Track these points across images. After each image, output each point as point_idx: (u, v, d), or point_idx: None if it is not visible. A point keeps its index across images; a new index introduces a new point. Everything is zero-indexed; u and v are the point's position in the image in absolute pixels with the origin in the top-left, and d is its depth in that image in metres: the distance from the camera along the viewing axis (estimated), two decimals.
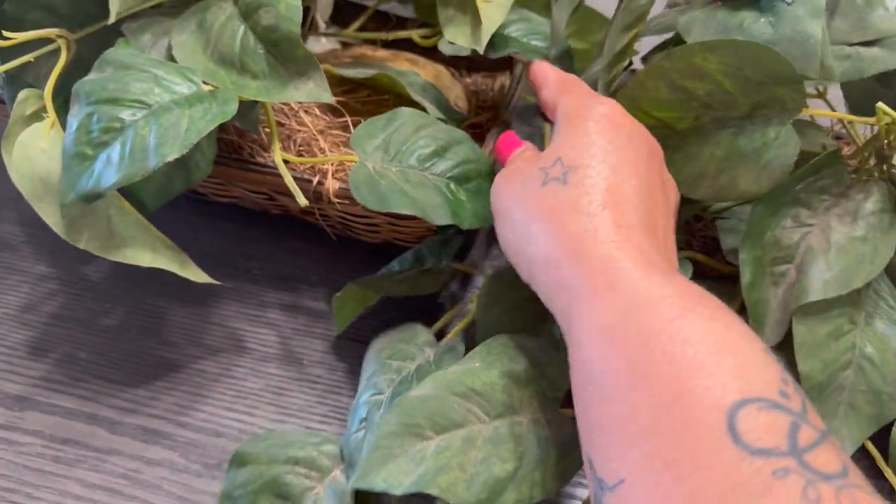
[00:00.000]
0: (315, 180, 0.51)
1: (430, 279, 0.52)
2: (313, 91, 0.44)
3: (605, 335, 0.31)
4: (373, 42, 0.64)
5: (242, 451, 0.43)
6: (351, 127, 0.57)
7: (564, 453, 0.37)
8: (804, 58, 0.39)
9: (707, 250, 0.47)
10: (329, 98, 0.45)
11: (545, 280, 0.35)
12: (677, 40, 0.46)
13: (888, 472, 0.40)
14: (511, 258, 0.38)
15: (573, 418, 0.34)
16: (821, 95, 0.45)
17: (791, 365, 0.41)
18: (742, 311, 0.43)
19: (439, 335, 0.49)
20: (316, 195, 0.52)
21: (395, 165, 0.46)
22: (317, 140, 0.57)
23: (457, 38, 0.52)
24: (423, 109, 0.54)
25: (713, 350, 0.29)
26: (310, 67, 0.44)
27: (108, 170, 0.40)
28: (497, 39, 0.54)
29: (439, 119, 0.54)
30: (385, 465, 0.35)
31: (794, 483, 0.25)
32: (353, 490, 0.39)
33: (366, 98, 0.60)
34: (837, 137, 0.55)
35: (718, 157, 0.39)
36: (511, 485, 0.35)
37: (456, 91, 0.61)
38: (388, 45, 0.64)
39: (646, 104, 0.40)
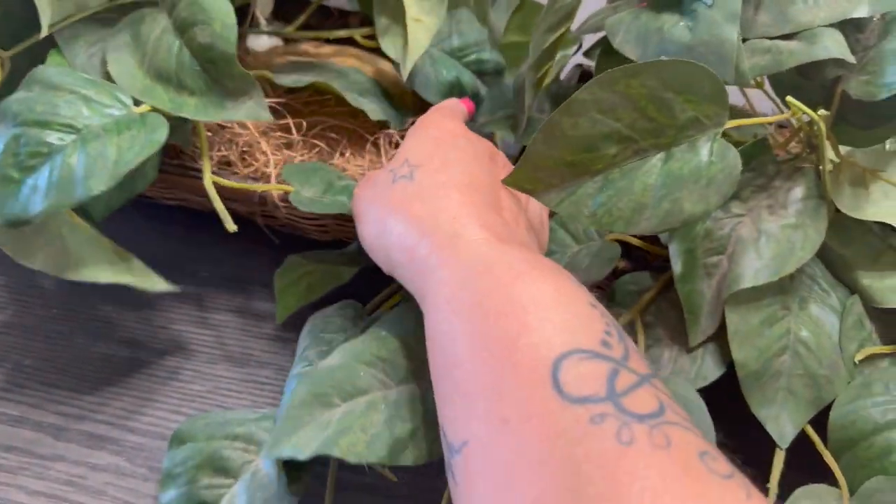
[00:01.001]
0: (259, 187, 0.52)
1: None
2: (252, 110, 0.45)
3: (449, 303, 0.33)
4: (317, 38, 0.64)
5: (181, 430, 0.43)
6: (293, 128, 0.58)
7: None
8: (720, 62, 0.39)
9: (649, 237, 0.47)
10: (268, 117, 0.45)
11: (402, 264, 0.37)
12: (606, 43, 0.46)
13: (827, 456, 0.41)
14: (373, 255, 0.40)
15: None
16: (758, 86, 0.45)
17: (727, 354, 0.42)
18: (677, 299, 0.43)
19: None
20: (261, 199, 0.53)
21: (330, 196, 0.48)
22: (259, 143, 0.57)
23: (389, 50, 0.53)
24: (363, 112, 0.54)
25: (541, 309, 0.30)
26: (248, 86, 0.44)
27: (36, 196, 0.40)
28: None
29: (380, 121, 0.55)
30: (295, 433, 0.36)
31: (609, 426, 0.26)
32: (281, 461, 0.40)
33: (308, 98, 0.61)
34: (782, 126, 0.56)
35: (654, 186, 0.38)
36: (411, 444, 0.37)
37: (402, 86, 0.61)
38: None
39: (560, 145, 0.38)
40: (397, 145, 0.58)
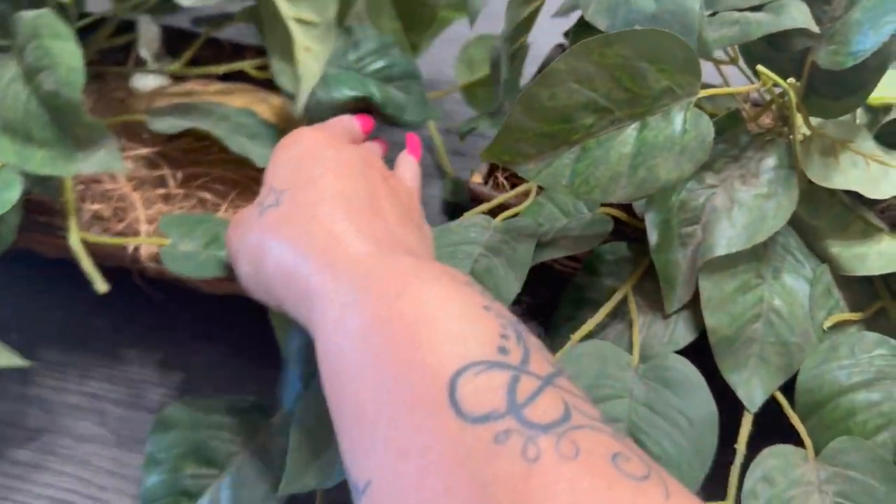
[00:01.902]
0: (131, 247, 0.46)
1: None
2: (104, 160, 0.41)
3: (336, 326, 0.30)
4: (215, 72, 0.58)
5: (167, 414, 0.42)
6: (171, 180, 0.50)
7: None
8: (683, 31, 0.39)
9: (627, 208, 0.48)
10: (121, 167, 0.42)
11: (285, 294, 0.34)
12: (582, 17, 0.46)
13: (794, 418, 0.41)
14: (255, 294, 0.37)
15: None
16: (733, 61, 0.46)
17: (702, 320, 0.42)
18: (652, 269, 0.44)
19: None
20: (133, 258, 0.47)
21: (211, 251, 0.43)
22: (133, 195, 0.49)
23: (284, 84, 0.49)
24: (249, 161, 0.49)
25: (431, 321, 0.28)
26: (98, 135, 0.41)
27: None
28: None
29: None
30: (312, 463, 0.35)
31: (513, 444, 0.24)
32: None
33: (189, 145, 0.54)
34: (756, 104, 0.57)
35: (629, 155, 0.39)
36: None
37: (299, 124, 0.55)
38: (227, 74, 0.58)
39: (538, 116, 0.39)
40: None
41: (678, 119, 0.38)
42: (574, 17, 0.51)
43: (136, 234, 0.48)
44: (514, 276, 0.42)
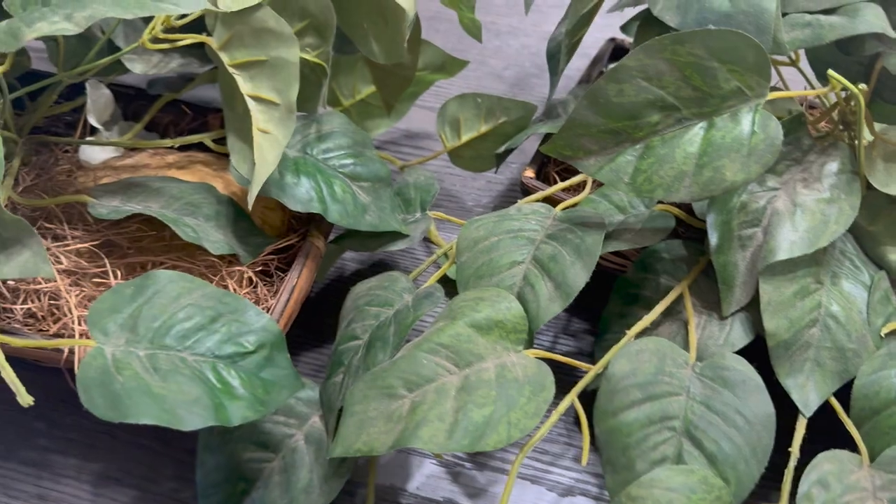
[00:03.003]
0: (66, 351, 0.41)
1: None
2: (29, 264, 0.39)
3: None
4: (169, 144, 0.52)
5: None
6: (112, 275, 0.44)
7: (534, 393, 0.37)
8: (758, 32, 0.40)
9: (683, 206, 0.48)
10: (49, 272, 0.39)
11: None
12: (647, 12, 0.46)
13: (849, 424, 0.41)
14: None
15: (538, 360, 0.39)
16: (793, 63, 0.46)
17: (758, 323, 0.43)
18: (711, 269, 0.44)
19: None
20: (68, 362, 0.41)
21: (144, 348, 0.37)
22: (67, 292, 0.43)
23: (241, 167, 0.45)
24: (203, 248, 0.44)
25: None
26: (22, 234, 0.38)
27: None
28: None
29: (234, 253, 0.44)
30: (363, 430, 0.36)
31: None
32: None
33: (137, 231, 0.48)
34: (812, 107, 0.57)
35: (695, 154, 0.39)
36: (489, 428, 0.36)
37: (265, 201, 0.49)
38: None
39: (604, 111, 0.40)
40: (250, 283, 0.47)
41: (746, 120, 0.39)
42: (627, 14, 0.53)
43: (71, 336, 0.43)
44: (582, 265, 0.42)
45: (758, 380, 0.39)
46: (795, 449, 0.40)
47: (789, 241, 0.42)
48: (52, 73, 0.49)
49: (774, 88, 0.41)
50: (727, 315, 0.43)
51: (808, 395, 0.41)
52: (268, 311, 0.44)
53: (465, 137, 0.59)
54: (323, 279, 0.57)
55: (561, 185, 0.51)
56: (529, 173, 0.53)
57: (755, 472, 0.38)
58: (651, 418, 0.39)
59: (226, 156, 0.50)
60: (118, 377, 0.35)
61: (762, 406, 0.39)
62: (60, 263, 0.45)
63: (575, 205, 0.49)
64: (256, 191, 0.42)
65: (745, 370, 0.40)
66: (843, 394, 0.42)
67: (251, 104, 0.44)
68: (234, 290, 0.46)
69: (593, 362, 0.44)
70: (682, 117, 0.40)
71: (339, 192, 0.47)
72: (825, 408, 0.42)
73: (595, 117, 0.40)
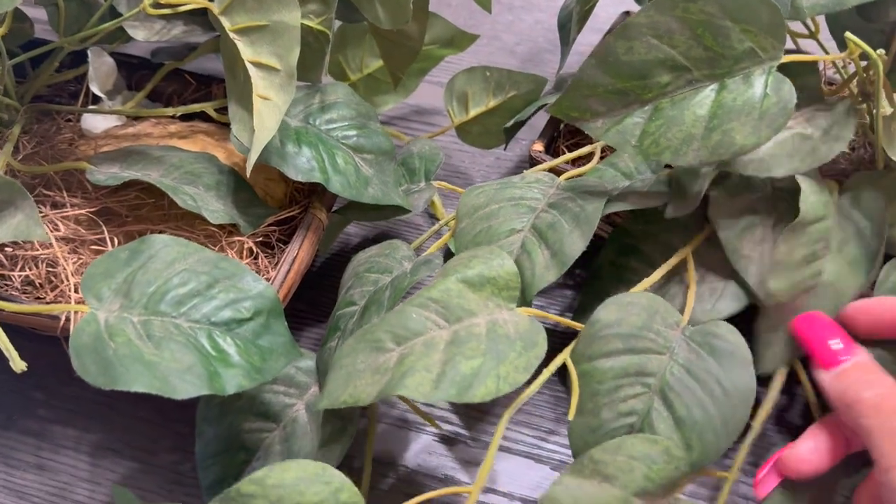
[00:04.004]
0: (63, 317, 0.40)
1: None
2: (21, 227, 0.38)
3: None
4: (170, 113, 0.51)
5: None
6: (110, 242, 0.43)
7: (525, 348, 0.36)
8: None
9: None
10: (42, 235, 0.38)
11: None
12: None
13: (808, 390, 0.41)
14: None
15: (530, 317, 0.38)
16: (812, 35, 0.44)
17: (714, 245, 0.42)
18: (714, 236, 0.43)
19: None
20: (64, 329, 0.41)
21: (137, 314, 0.36)
22: (64, 260, 0.42)
23: (241, 134, 0.44)
24: (202, 217, 0.43)
25: None
26: (15, 196, 0.38)
27: None
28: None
29: (234, 223, 0.42)
30: (350, 382, 0.35)
31: None
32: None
33: (136, 199, 0.47)
34: (830, 83, 0.56)
35: (704, 117, 0.38)
36: (477, 380, 0.35)
37: (267, 172, 0.48)
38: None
39: (612, 71, 0.39)
40: (251, 254, 0.46)
41: (759, 83, 0.38)
42: None
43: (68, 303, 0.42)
44: (580, 233, 0.41)
45: (746, 353, 0.38)
46: (758, 423, 0.40)
47: (747, 159, 0.40)
48: (55, 41, 0.49)
49: (792, 52, 0.40)
50: (668, 217, 0.42)
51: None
52: (269, 282, 0.44)
53: (472, 112, 0.57)
54: (326, 252, 0.56)
55: (568, 156, 0.50)
56: (538, 147, 0.52)
57: (722, 443, 0.37)
58: (627, 370, 0.38)
59: (228, 126, 0.49)
60: (111, 343, 0.34)
61: (744, 380, 0.38)
62: (58, 230, 0.44)
63: (581, 175, 0.48)
64: (255, 157, 0.41)
65: (736, 341, 0.39)
66: None
67: (252, 70, 0.43)
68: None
69: (582, 308, 0.44)
70: (693, 78, 0.38)
71: (342, 164, 0.47)
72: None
73: (603, 76, 0.39)
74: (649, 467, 0.35)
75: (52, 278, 0.43)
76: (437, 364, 0.35)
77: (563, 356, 0.40)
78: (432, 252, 0.46)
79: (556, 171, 0.49)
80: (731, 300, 0.42)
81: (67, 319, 0.40)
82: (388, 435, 0.47)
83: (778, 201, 0.43)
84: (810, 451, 0.38)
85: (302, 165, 0.45)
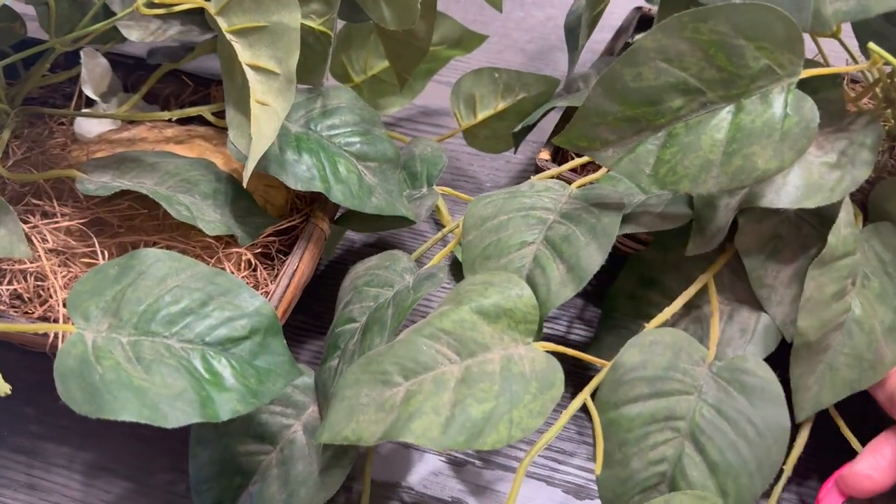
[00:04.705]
0: (52, 334, 0.38)
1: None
2: (4, 242, 0.37)
3: None
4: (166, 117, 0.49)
5: None
6: (102, 255, 0.41)
7: (541, 390, 0.35)
8: (795, 5, 0.37)
9: None
10: (25, 252, 0.37)
11: None
12: None
13: (853, 441, 0.40)
14: None
15: (547, 354, 0.36)
16: (834, 35, 0.41)
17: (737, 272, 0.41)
18: (736, 260, 0.41)
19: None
20: (53, 347, 0.39)
21: (127, 334, 0.34)
22: (52, 274, 0.41)
23: (239, 141, 0.42)
24: (196, 229, 0.41)
25: None
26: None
27: None
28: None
29: (232, 234, 0.41)
30: (353, 417, 0.33)
31: None
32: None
33: (129, 209, 0.45)
34: (855, 81, 0.54)
35: (723, 141, 0.36)
36: (488, 426, 0.33)
37: (267, 179, 0.46)
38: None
39: (620, 98, 0.37)
40: (249, 266, 0.44)
41: (778, 102, 0.36)
42: None
43: (56, 319, 0.40)
44: (597, 246, 0.39)
45: (778, 389, 0.36)
46: (789, 467, 0.38)
47: (775, 193, 0.39)
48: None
49: (811, 63, 0.38)
50: (690, 255, 0.40)
51: (811, 399, 0.39)
52: (267, 297, 0.42)
53: (480, 116, 0.55)
54: (328, 260, 0.54)
55: (576, 161, 0.48)
56: (545, 155, 0.50)
57: (758, 487, 0.35)
58: (655, 416, 0.36)
59: (227, 129, 0.48)
60: (98, 367, 0.32)
61: (778, 418, 0.36)
62: (47, 242, 0.42)
63: (592, 182, 0.46)
64: (252, 167, 0.39)
65: (767, 377, 0.37)
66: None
67: (250, 74, 0.41)
68: (232, 273, 0.43)
69: (598, 341, 0.42)
70: (708, 101, 0.36)
71: (344, 172, 0.44)
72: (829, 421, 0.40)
73: (611, 104, 0.37)
74: None
75: (41, 292, 0.42)
76: (447, 406, 0.33)
77: (584, 396, 0.38)
78: (435, 264, 0.44)
79: (566, 179, 0.47)
80: (764, 343, 0.40)
81: (56, 336, 0.39)
82: (392, 455, 0.45)
83: (802, 223, 0.41)
84: (871, 467, 0.37)
85: (302, 174, 0.43)
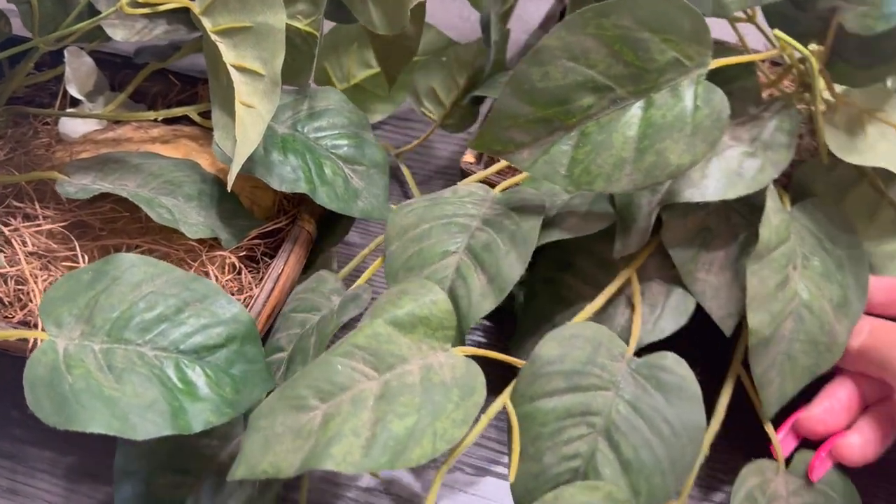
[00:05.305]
0: (31, 340, 0.37)
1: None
2: None
3: None
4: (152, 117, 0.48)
5: None
6: (83, 258, 0.41)
7: (463, 397, 0.34)
8: None
9: None
10: None
11: None
12: None
13: (769, 428, 0.39)
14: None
15: (467, 359, 0.35)
16: (750, 19, 0.42)
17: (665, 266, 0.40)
18: (658, 251, 0.41)
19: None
20: (32, 351, 0.37)
21: (100, 342, 0.33)
22: (34, 278, 0.40)
23: (224, 142, 0.41)
24: (179, 232, 0.40)
25: None
26: None
27: None
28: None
29: (217, 237, 0.40)
30: (269, 449, 0.32)
31: None
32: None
33: (111, 211, 0.44)
34: (776, 63, 0.53)
35: (634, 138, 0.36)
36: (412, 441, 0.32)
37: (253, 180, 0.46)
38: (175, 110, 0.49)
39: (529, 99, 0.36)
40: (233, 269, 0.43)
41: (688, 95, 0.35)
42: None
43: (36, 325, 0.40)
44: (517, 255, 0.38)
45: (695, 388, 0.36)
46: (705, 446, 0.38)
47: (695, 186, 0.38)
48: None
49: (726, 51, 0.38)
50: (617, 256, 0.40)
51: (775, 393, 0.38)
52: (251, 301, 0.41)
53: (448, 102, 0.54)
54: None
55: (500, 164, 0.46)
56: (469, 157, 0.48)
57: (670, 486, 0.35)
58: (571, 411, 0.35)
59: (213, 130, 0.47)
60: (67, 377, 0.32)
61: (693, 417, 0.35)
62: (27, 246, 0.42)
63: (517, 185, 0.44)
64: (237, 170, 0.39)
65: (684, 375, 0.36)
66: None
67: (234, 75, 0.40)
68: (216, 277, 0.43)
69: (520, 339, 0.42)
70: (618, 97, 0.36)
71: (330, 174, 0.44)
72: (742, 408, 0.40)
73: (521, 106, 0.36)
74: None
75: (21, 296, 0.41)
76: (367, 426, 0.32)
77: (503, 399, 0.37)
78: (362, 284, 0.43)
79: (491, 181, 0.46)
80: (673, 316, 0.40)
81: (36, 341, 0.38)
82: (322, 476, 0.44)
83: (731, 213, 0.41)
84: (826, 411, 0.38)
85: (287, 175, 0.42)
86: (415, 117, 0.63)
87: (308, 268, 0.46)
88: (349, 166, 0.45)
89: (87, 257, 0.42)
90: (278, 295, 0.42)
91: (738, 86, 0.39)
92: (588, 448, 0.35)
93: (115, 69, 0.53)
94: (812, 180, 0.42)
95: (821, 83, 0.39)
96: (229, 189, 0.39)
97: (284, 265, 0.42)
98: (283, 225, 0.46)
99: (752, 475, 0.38)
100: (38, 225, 0.43)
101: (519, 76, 0.35)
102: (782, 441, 0.39)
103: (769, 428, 0.39)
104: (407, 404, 0.33)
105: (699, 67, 0.35)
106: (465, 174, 0.48)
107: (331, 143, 0.45)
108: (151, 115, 0.46)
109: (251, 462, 0.31)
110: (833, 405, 0.39)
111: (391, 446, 0.31)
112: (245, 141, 0.39)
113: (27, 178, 0.44)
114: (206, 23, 0.41)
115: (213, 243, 0.43)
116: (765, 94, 0.41)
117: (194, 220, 0.42)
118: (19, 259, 0.41)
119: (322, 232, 0.47)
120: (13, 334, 0.35)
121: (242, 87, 0.40)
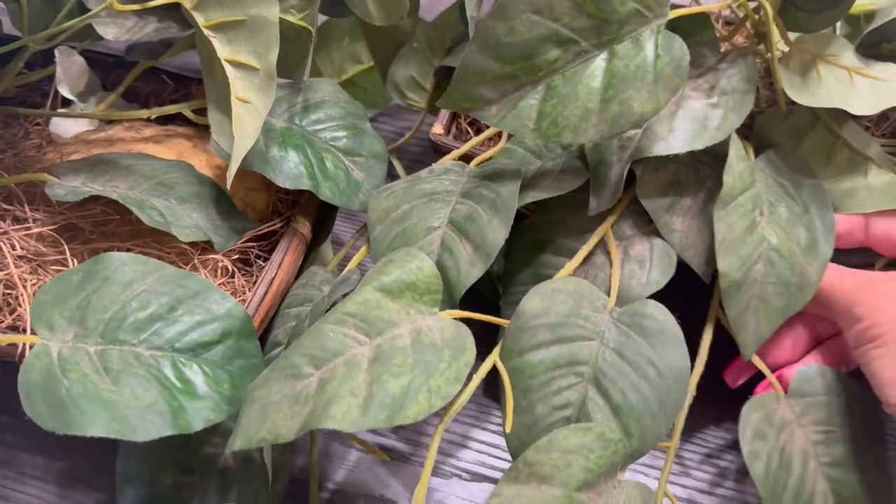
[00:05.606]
0: (20, 346, 0.36)
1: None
2: None
3: None
4: (148, 117, 0.47)
5: None
6: (73, 262, 0.40)
7: (454, 356, 0.34)
8: None
9: None
10: None
11: None
12: None
13: (761, 365, 0.40)
14: None
15: (455, 321, 0.36)
16: None
17: (642, 223, 0.41)
18: (633, 204, 0.42)
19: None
20: (22, 356, 0.37)
21: (94, 343, 0.33)
22: (23, 282, 0.39)
23: (221, 139, 0.40)
24: (170, 235, 0.40)
25: None
26: None
27: None
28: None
29: (209, 239, 0.40)
30: (266, 417, 0.32)
31: None
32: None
33: (102, 214, 0.43)
34: (729, 23, 0.53)
35: (599, 89, 0.36)
36: (408, 399, 0.32)
37: (247, 181, 0.45)
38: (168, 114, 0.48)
39: (496, 54, 0.36)
40: (226, 273, 0.42)
41: (649, 44, 0.36)
42: None
43: (24, 330, 0.38)
44: (499, 220, 0.39)
45: (677, 331, 0.37)
46: (692, 386, 0.39)
47: (663, 140, 0.39)
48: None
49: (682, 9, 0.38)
50: (592, 213, 0.41)
51: (752, 335, 0.39)
52: (243, 305, 0.40)
53: (428, 85, 0.53)
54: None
55: (476, 139, 0.46)
56: (438, 129, 0.48)
57: (661, 427, 0.36)
58: (558, 361, 0.36)
59: (207, 128, 0.46)
60: (64, 380, 0.31)
61: (677, 359, 0.36)
62: (16, 249, 0.41)
63: (491, 158, 0.45)
64: (236, 166, 0.38)
65: (665, 320, 0.37)
66: None
67: (229, 70, 0.39)
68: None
69: (505, 309, 0.42)
70: (582, 50, 0.37)
71: (331, 168, 0.43)
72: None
73: (488, 62, 0.36)
74: (587, 457, 0.34)
75: (10, 301, 0.40)
76: (363, 386, 0.32)
77: (493, 358, 0.37)
78: (351, 268, 0.42)
79: (468, 156, 0.46)
80: (662, 267, 0.41)
81: (26, 346, 0.37)
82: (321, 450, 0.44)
83: (699, 165, 0.42)
84: (781, 343, 0.41)
85: (289, 171, 0.41)
86: (405, 110, 0.62)
87: (301, 266, 0.45)
88: (349, 158, 0.45)
89: (76, 261, 0.41)
90: (272, 299, 0.41)
91: (696, 39, 0.39)
92: (578, 396, 0.36)
93: (107, 69, 0.52)
94: (771, 129, 0.43)
95: (775, 31, 0.40)
96: (228, 185, 0.39)
97: (278, 269, 0.41)
98: (277, 227, 0.45)
99: (753, 411, 0.38)
100: (28, 228, 0.42)
101: (485, 32, 0.36)
102: (739, 370, 0.42)
103: (758, 362, 0.40)
104: (401, 364, 0.33)
105: (658, 18, 0.36)
106: (436, 146, 0.48)
107: (329, 135, 0.45)
108: (144, 113, 0.46)
109: (248, 432, 0.32)
110: (792, 336, 0.41)
111: (388, 404, 0.32)
112: (243, 136, 0.38)
113: (16, 179, 0.43)
114: (199, 18, 0.40)
115: (205, 246, 0.42)
116: (721, 51, 0.42)
117: (186, 223, 0.41)
118: (8, 263, 0.40)
119: (315, 230, 0.46)
120: (3, 339, 0.34)
121: (238, 83, 0.39)
